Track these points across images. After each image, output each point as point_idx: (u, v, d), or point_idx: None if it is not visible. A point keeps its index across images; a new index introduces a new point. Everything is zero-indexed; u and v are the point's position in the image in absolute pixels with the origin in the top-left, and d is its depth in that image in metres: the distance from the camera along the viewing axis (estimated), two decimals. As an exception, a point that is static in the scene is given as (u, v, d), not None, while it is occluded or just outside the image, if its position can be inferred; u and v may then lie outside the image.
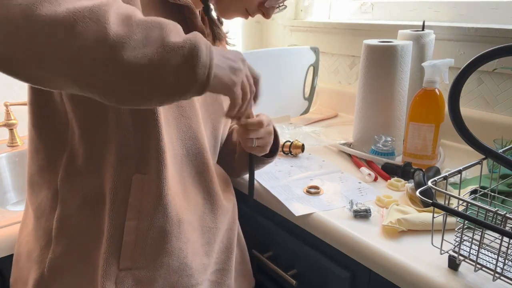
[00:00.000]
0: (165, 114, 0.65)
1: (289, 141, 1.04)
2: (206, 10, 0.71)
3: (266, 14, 0.77)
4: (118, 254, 0.63)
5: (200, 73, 0.50)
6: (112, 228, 0.62)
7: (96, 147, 0.62)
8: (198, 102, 0.72)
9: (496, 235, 0.59)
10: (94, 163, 0.63)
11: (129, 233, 0.63)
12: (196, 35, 0.51)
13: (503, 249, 0.54)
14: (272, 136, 0.79)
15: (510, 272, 0.55)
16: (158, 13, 0.63)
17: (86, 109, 0.61)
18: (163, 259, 0.65)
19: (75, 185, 0.63)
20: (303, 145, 1.04)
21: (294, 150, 1.03)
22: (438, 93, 0.91)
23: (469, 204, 0.56)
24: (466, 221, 0.57)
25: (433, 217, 0.60)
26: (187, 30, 0.59)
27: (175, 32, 0.50)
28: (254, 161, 0.81)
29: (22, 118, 1.24)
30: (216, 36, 0.76)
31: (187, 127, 0.69)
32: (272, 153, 0.85)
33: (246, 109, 0.63)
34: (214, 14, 0.75)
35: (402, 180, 0.86)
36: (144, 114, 0.61)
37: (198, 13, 0.68)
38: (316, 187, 0.85)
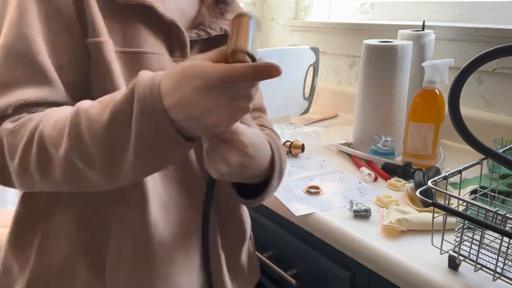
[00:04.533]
0: None
1: (289, 141, 1.04)
2: None
3: None
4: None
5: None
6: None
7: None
8: None
9: (496, 235, 0.59)
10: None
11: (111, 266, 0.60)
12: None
13: (503, 249, 0.54)
14: (248, 169, 0.54)
15: (510, 272, 0.55)
16: (122, 19, 0.59)
17: None
18: (148, 286, 0.61)
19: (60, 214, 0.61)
20: (303, 145, 1.04)
21: (294, 150, 1.03)
22: (438, 93, 0.91)
23: (469, 204, 0.56)
24: (466, 221, 0.57)
25: (433, 217, 0.60)
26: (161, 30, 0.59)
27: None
28: (212, 193, 0.59)
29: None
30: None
31: None
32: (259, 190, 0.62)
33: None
34: None
35: (402, 180, 0.86)
36: None
37: (161, 7, 0.60)
38: (316, 187, 0.85)
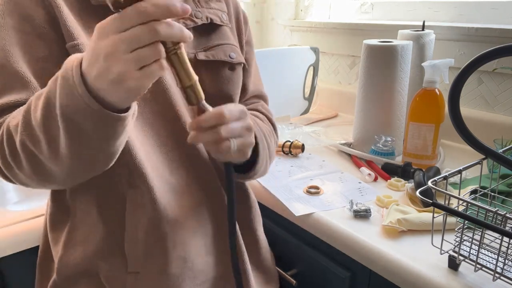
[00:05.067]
0: (140, 125, 0.62)
1: (289, 141, 1.04)
2: None
3: None
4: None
5: (79, 98, 0.43)
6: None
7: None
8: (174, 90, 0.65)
9: (496, 235, 0.59)
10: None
11: (129, 244, 0.63)
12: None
13: (503, 249, 0.54)
14: (253, 134, 0.59)
15: (510, 272, 0.55)
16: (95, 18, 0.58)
17: None
18: (164, 267, 0.64)
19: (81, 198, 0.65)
20: (303, 145, 1.04)
21: (294, 150, 1.03)
22: (438, 93, 0.91)
23: (469, 204, 0.56)
24: (466, 221, 0.57)
25: (433, 217, 0.60)
26: None
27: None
28: (233, 177, 0.57)
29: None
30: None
31: (167, 131, 0.65)
32: (253, 163, 0.66)
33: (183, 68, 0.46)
34: None
35: (402, 180, 0.86)
36: None
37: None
38: (316, 187, 0.85)
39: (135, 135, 0.62)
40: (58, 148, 0.48)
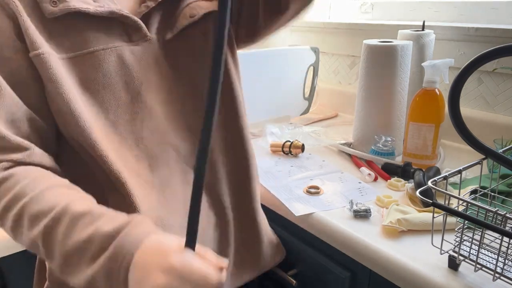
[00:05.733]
0: (116, 138, 0.62)
1: (289, 141, 1.04)
2: None
3: None
4: None
5: None
6: None
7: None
8: (157, 105, 0.65)
9: (496, 235, 0.59)
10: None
11: None
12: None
13: (503, 249, 0.54)
14: None
15: (510, 272, 0.55)
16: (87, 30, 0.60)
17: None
18: None
19: None
20: (303, 145, 1.04)
21: (294, 150, 1.03)
22: (438, 93, 0.91)
23: (469, 204, 0.56)
24: (466, 221, 0.57)
25: (433, 217, 0.60)
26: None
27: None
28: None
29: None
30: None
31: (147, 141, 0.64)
32: None
33: None
34: None
35: (402, 180, 0.86)
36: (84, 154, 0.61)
37: (92, 6, 0.59)
38: (316, 187, 0.85)
39: (110, 139, 0.61)
40: (69, 274, 0.53)
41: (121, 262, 0.48)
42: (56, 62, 0.57)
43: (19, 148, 0.56)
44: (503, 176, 0.78)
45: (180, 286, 0.45)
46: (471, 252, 0.57)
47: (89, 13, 0.58)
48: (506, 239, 0.53)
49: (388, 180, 0.87)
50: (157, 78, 0.64)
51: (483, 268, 0.56)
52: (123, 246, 0.49)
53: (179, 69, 0.66)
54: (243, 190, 0.74)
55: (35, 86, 0.58)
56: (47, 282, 0.66)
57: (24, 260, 0.81)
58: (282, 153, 1.05)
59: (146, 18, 0.63)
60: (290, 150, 1.03)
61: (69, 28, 0.58)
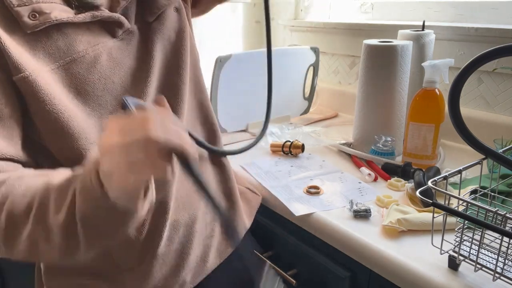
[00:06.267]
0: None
1: (289, 141, 1.04)
2: None
3: None
4: None
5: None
6: None
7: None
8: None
9: (496, 235, 0.59)
10: None
11: None
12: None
13: (503, 249, 0.54)
14: None
15: (510, 272, 0.55)
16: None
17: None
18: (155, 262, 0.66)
19: None
20: (303, 145, 1.04)
21: (294, 150, 1.03)
22: (438, 93, 0.91)
23: (469, 204, 0.56)
24: (466, 221, 0.57)
25: (433, 217, 0.60)
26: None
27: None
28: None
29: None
30: None
31: None
32: None
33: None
34: None
35: (402, 180, 0.86)
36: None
37: (71, 14, 0.58)
38: (316, 187, 0.85)
39: (92, 124, 0.59)
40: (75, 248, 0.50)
41: (88, 177, 0.46)
42: (44, 78, 0.54)
43: None
44: (503, 176, 0.78)
45: (125, 138, 0.42)
46: (471, 252, 0.57)
47: (69, 23, 0.57)
48: (506, 239, 0.53)
49: (388, 180, 0.87)
50: (147, 66, 0.64)
51: (483, 268, 0.56)
52: (84, 170, 0.47)
53: (157, 50, 0.66)
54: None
55: (10, 107, 0.54)
56: (44, 287, 0.66)
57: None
58: (282, 153, 1.05)
59: (124, 10, 0.63)
60: (290, 150, 1.03)
61: (53, 37, 0.56)
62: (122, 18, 0.62)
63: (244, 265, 0.81)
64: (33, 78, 0.53)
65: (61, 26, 0.57)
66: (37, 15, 0.54)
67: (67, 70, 0.57)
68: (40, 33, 0.55)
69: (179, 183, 0.67)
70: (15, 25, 0.54)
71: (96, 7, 0.59)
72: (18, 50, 0.53)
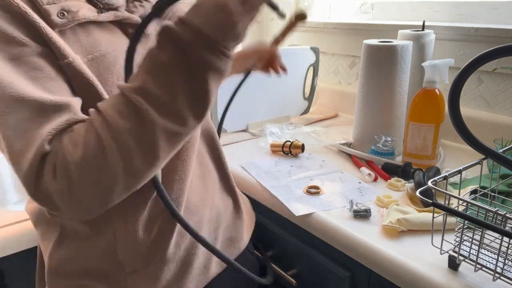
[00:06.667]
0: None
1: (289, 141, 1.04)
2: None
3: None
4: None
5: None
6: None
7: None
8: None
9: (496, 235, 0.59)
10: None
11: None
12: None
13: (503, 249, 0.54)
14: None
15: (510, 272, 0.55)
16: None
17: None
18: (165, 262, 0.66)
19: None
20: (303, 145, 1.04)
21: (294, 150, 1.03)
22: (438, 93, 0.91)
23: (469, 204, 0.56)
24: (466, 221, 0.57)
25: (433, 217, 0.60)
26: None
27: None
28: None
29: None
30: None
31: None
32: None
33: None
34: None
35: (402, 180, 0.86)
36: None
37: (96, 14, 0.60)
38: (316, 187, 0.85)
39: None
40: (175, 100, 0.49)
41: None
42: (83, 66, 0.56)
43: (61, 108, 0.52)
44: (503, 176, 0.78)
45: None
46: (471, 252, 0.57)
47: (96, 21, 0.59)
48: (506, 239, 0.53)
49: (388, 180, 0.87)
50: None
51: (483, 268, 0.56)
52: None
53: None
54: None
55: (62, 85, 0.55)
56: (46, 286, 0.66)
57: (24, 260, 0.81)
58: (282, 153, 1.05)
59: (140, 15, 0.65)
60: (290, 150, 1.03)
61: (77, 34, 0.58)
62: (138, 19, 0.64)
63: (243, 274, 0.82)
64: (77, 64, 0.55)
65: (84, 24, 0.58)
66: (65, 13, 0.55)
67: (89, 67, 0.58)
68: (67, 30, 0.57)
69: (190, 189, 0.68)
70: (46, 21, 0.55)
71: (116, 8, 0.62)
72: (60, 41, 0.54)
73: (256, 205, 0.90)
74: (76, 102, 0.54)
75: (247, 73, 0.93)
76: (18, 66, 0.51)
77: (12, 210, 1.10)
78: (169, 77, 0.48)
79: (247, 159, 1.02)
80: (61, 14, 0.55)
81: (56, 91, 0.53)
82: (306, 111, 1.40)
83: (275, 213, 0.84)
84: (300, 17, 0.82)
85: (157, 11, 0.51)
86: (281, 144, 1.04)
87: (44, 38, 0.53)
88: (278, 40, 0.92)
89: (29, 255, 0.81)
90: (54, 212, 0.51)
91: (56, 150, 0.48)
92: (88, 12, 0.58)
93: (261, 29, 1.78)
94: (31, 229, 0.82)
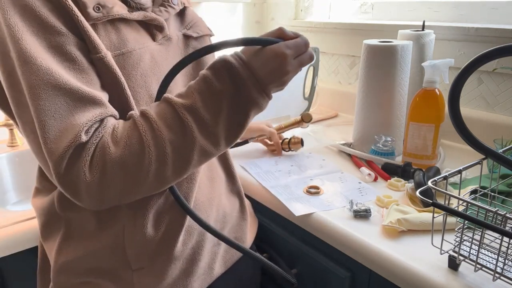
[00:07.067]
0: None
1: (286, 138, 1.04)
2: None
3: None
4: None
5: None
6: None
7: None
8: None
9: (496, 235, 0.59)
10: None
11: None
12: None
13: (503, 249, 0.54)
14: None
15: (510, 272, 0.55)
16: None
17: None
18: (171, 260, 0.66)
19: None
20: (302, 139, 1.03)
21: (293, 146, 1.03)
22: (438, 93, 0.91)
23: (469, 204, 0.56)
24: (466, 221, 0.57)
25: (433, 217, 0.60)
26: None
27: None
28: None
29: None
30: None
31: None
32: None
33: None
34: None
35: (402, 180, 0.86)
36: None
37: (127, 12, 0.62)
38: (316, 187, 0.85)
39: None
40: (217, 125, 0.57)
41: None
42: (112, 61, 0.57)
43: (95, 100, 0.54)
44: (503, 176, 0.78)
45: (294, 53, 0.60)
46: (471, 252, 0.57)
47: (126, 19, 0.61)
48: (506, 239, 0.53)
49: (388, 180, 0.87)
50: (180, 74, 0.68)
51: (483, 268, 0.56)
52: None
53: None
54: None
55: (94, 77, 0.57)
56: (51, 283, 0.66)
57: (24, 260, 0.81)
58: (282, 150, 1.05)
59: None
60: (289, 146, 1.04)
61: (108, 30, 0.59)
62: (165, 24, 0.66)
63: (247, 274, 0.83)
64: (108, 60, 0.56)
65: (115, 21, 0.60)
66: (101, 7, 0.57)
67: (116, 62, 0.59)
68: (99, 24, 0.58)
69: (198, 188, 0.68)
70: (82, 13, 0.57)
71: (145, 9, 0.64)
72: (94, 35, 0.56)
73: (256, 205, 0.91)
74: (106, 97, 0.56)
75: (245, 142, 1.03)
76: (56, 54, 0.53)
77: (12, 210, 1.11)
78: (218, 103, 0.55)
79: (247, 159, 1.02)
80: (97, 8, 0.57)
81: (89, 84, 0.55)
82: (306, 111, 1.40)
83: (275, 213, 0.84)
84: (306, 117, 1.02)
85: (195, 55, 0.58)
86: (280, 142, 1.05)
87: (80, 30, 0.55)
88: (281, 128, 1.06)
89: (29, 255, 0.81)
90: (73, 198, 0.53)
91: (95, 143, 0.52)
92: (121, 9, 0.60)
93: (261, 29, 1.78)
94: (31, 229, 0.82)
